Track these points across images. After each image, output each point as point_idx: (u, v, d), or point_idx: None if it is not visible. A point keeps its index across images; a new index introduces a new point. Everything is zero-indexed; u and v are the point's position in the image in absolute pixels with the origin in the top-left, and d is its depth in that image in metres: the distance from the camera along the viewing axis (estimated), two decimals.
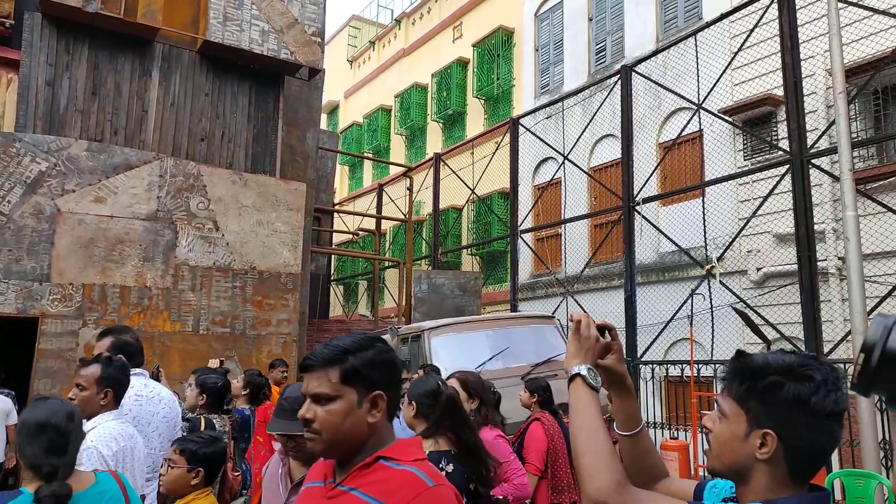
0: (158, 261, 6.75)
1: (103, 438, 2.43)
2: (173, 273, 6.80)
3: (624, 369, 1.49)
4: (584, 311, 1.50)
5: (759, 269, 8.70)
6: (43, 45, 6.90)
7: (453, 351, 6.82)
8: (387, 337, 8.32)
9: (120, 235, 6.57)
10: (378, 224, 15.28)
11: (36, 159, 6.28)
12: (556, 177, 11.70)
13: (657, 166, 9.82)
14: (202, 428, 3.27)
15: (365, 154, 18.85)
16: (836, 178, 6.42)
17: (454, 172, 13.39)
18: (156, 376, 3.67)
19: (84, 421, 2.22)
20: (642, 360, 8.66)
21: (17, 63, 6.79)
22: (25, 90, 6.79)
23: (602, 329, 1.48)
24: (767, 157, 8.63)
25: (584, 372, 1.39)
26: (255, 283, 7.33)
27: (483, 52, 14.77)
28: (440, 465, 2.61)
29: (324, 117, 21.67)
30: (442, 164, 13.79)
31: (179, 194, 6.97)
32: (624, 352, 7.48)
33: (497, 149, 12.26)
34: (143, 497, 2.71)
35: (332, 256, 16.55)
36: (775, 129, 8.69)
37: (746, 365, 1.25)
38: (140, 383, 3.02)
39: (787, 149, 7.58)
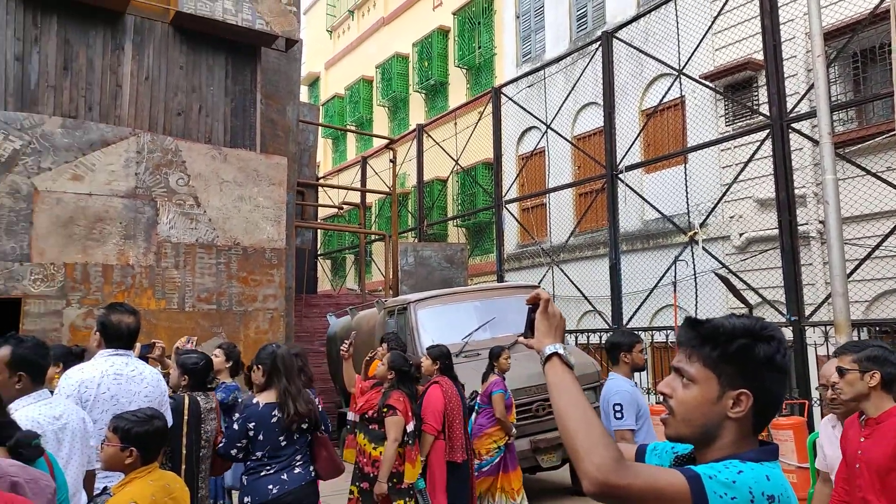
0: (140, 238, 6.67)
1: None
2: (156, 251, 6.74)
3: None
4: (544, 289, 1.50)
5: (741, 235, 8.77)
6: (10, 19, 6.71)
7: (440, 323, 6.85)
8: (373, 310, 8.33)
9: (99, 213, 6.48)
10: (363, 197, 15.19)
11: (9, 137, 6.15)
12: (539, 146, 11.67)
13: (639, 133, 9.81)
14: (186, 406, 3.27)
15: (347, 127, 18.65)
16: (816, 143, 6.46)
17: (437, 144, 13.30)
18: (144, 356, 3.64)
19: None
20: (628, 328, 8.75)
21: None
22: None
23: (536, 305, 1.49)
24: (748, 122, 8.64)
25: (560, 350, 1.40)
26: (240, 259, 7.29)
27: (464, 21, 14.57)
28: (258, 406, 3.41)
29: (304, 90, 21.36)
30: (425, 135, 13.69)
31: (158, 170, 6.87)
32: (610, 320, 7.50)
33: (480, 119, 12.17)
34: (94, 472, 2.69)
35: (318, 231, 16.46)
36: (756, 93, 8.69)
37: (714, 331, 1.28)
38: (121, 362, 3.00)
39: (768, 113, 7.59)
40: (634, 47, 9.48)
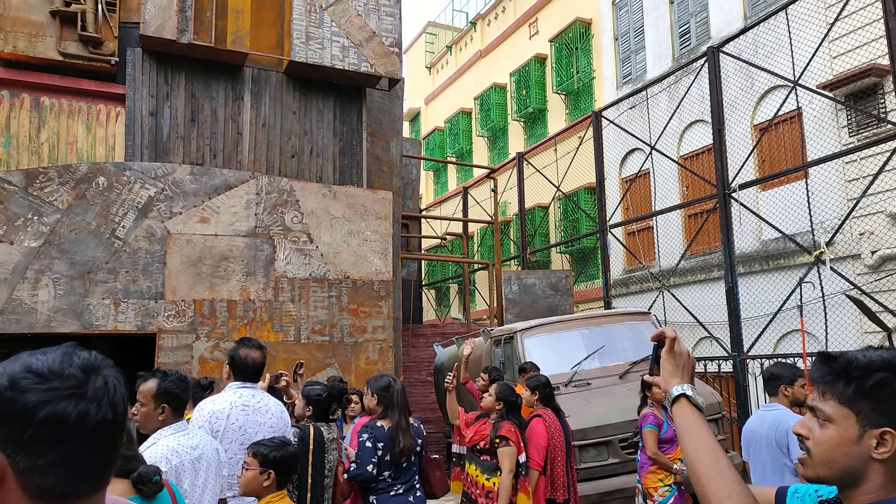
0: (260, 275, 7.08)
1: (155, 458, 2.48)
2: (273, 286, 7.11)
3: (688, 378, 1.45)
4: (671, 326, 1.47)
5: (873, 253, 8.09)
6: (144, 79, 7.41)
7: (547, 351, 6.76)
8: (479, 339, 8.35)
9: (224, 252, 6.94)
10: (465, 227, 15.36)
11: (145, 185, 6.74)
12: (643, 168, 11.36)
13: (753, 149, 9.34)
14: (311, 436, 3.40)
15: (448, 158, 19.00)
16: None
17: (538, 171, 13.27)
18: (272, 386, 3.84)
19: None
20: (749, 354, 8.24)
21: (123, 97, 7.32)
22: (131, 122, 7.31)
23: (662, 342, 1.44)
24: (875, 131, 8.02)
25: (688, 392, 1.34)
26: (350, 291, 7.55)
27: (561, 47, 14.56)
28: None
29: (406, 125, 22.04)
30: (525, 163, 13.70)
31: (275, 210, 7.28)
32: (729, 347, 7.10)
33: (580, 144, 12.04)
34: (226, 501, 2.84)
35: (422, 262, 16.79)
36: (882, 100, 8.06)
37: (848, 365, 1.20)
38: (248, 394, 3.18)
39: None
40: (744, 61, 9.08)
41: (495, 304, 12.43)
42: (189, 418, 3.12)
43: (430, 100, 21.59)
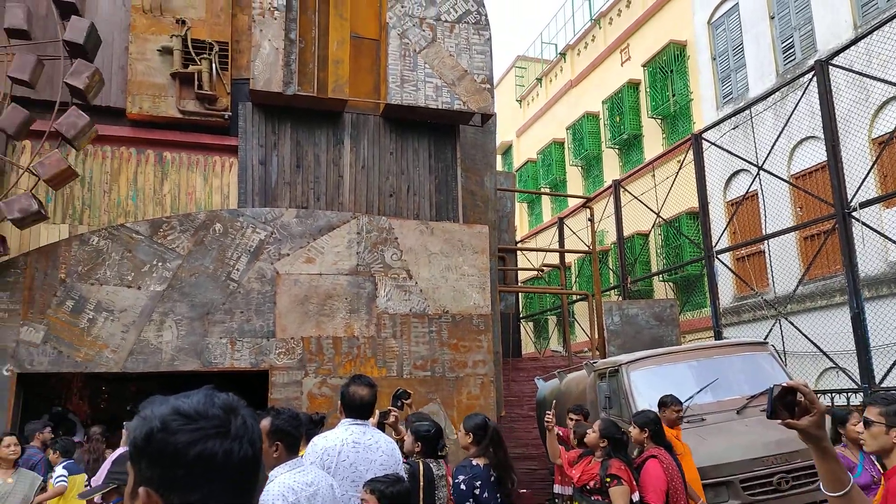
0: (362, 311, 7.27)
1: (272, 496, 2.52)
2: (376, 322, 7.28)
3: (823, 433, 1.47)
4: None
5: None
6: (254, 130, 7.90)
7: (656, 385, 6.48)
8: (582, 373, 8.13)
9: (329, 291, 7.20)
10: (562, 258, 15.15)
11: (256, 230, 7.14)
12: (751, 189, 10.82)
13: (873, 165, 8.69)
14: (420, 472, 3.42)
15: (542, 189, 18.92)
16: None
17: (636, 198, 12.94)
18: (381, 423, 3.90)
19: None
20: (882, 386, 7.55)
21: (236, 148, 7.82)
22: (243, 171, 7.79)
23: (793, 391, 1.44)
24: None
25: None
26: (450, 326, 7.59)
27: (655, 71, 14.27)
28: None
29: (498, 159, 22.19)
30: (622, 190, 13.41)
31: (375, 248, 7.49)
32: (856, 378, 6.57)
33: (680, 168, 11.66)
34: None
35: (520, 294, 16.67)
36: None
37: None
38: (359, 431, 3.23)
39: None
40: (857, 72, 8.54)
41: (596, 336, 12.11)
42: (303, 454, 3.21)
43: (522, 132, 21.68)
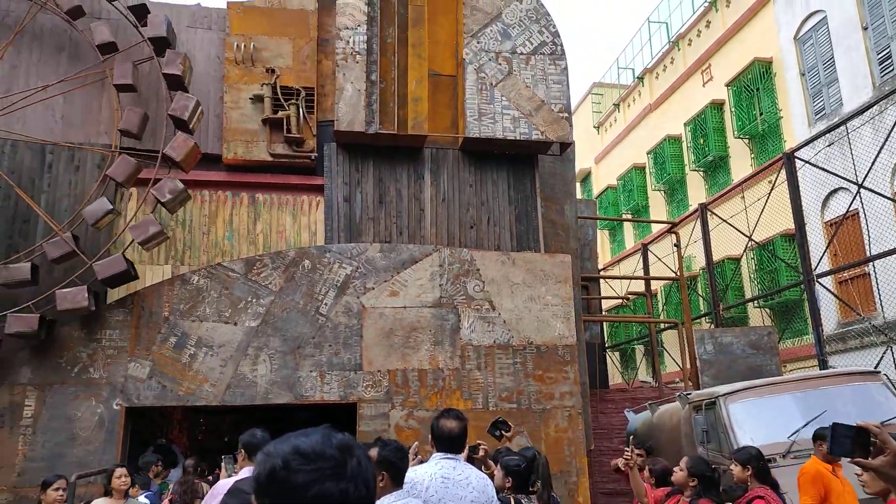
0: (447, 343, 7.30)
1: None
2: (460, 354, 7.29)
3: None
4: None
5: None
6: (339, 169, 8.19)
7: (757, 418, 6.14)
8: (675, 405, 7.81)
9: (413, 323, 7.29)
10: (647, 285, 14.72)
11: (342, 265, 7.35)
12: (851, 209, 10.21)
13: None
14: None
15: (624, 216, 18.55)
16: None
17: (724, 221, 12.45)
18: (471, 457, 3.86)
19: None
20: None
21: (322, 187, 8.13)
22: (329, 209, 8.08)
23: (865, 431, 1.45)
24: None
25: None
26: (534, 357, 7.51)
27: (739, 90, 13.83)
28: None
29: (578, 186, 21.97)
30: (709, 213, 12.94)
31: (458, 280, 7.55)
32: None
33: (772, 188, 11.15)
34: None
35: (604, 323, 16.28)
36: None
37: None
38: (449, 465, 3.22)
39: None
40: None
41: (688, 366, 11.63)
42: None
43: (600, 159, 21.41)
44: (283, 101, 7.95)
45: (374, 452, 2.77)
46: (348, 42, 8.11)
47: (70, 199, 7.51)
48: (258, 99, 7.95)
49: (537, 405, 7.37)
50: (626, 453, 4.68)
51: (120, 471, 5.26)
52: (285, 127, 7.89)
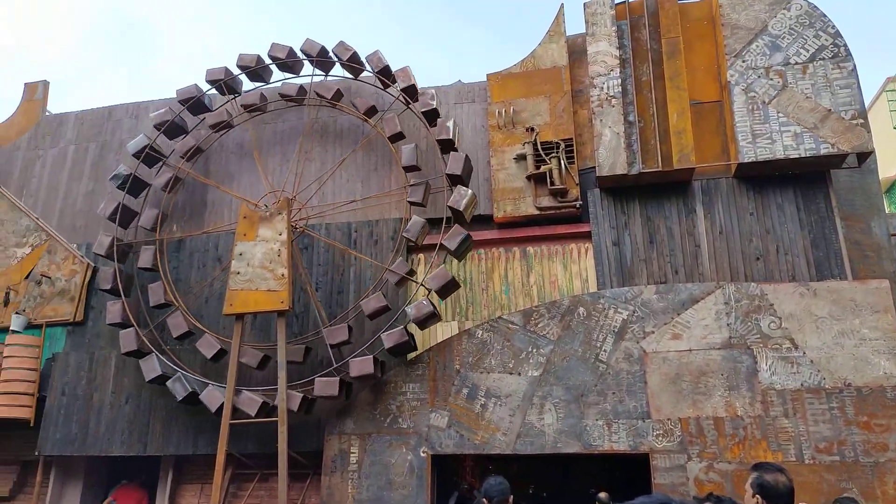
0: (743, 388, 6.68)
1: None
2: (761, 399, 6.60)
3: None
4: None
5: None
6: (605, 213, 8.17)
7: None
8: None
9: (701, 367, 6.82)
10: None
11: (618, 310, 7.22)
12: None
13: None
14: None
15: None
16: None
17: None
18: None
19: None
20: None
21: (589, 234, 8.17)
22: (598, 254, 8.05)
23: None
24: None
25: None
26: (856, 401, 6.47)
27: None
28: None
29: (884, 199, 18.84)
30: None
31: (748, 317, 6.91)
32: None
33: None
34: None
35: None
36: None
37: None
38: None
39: None
40: None
41: None
42: None
43: None
44: (544, 155, 8.25)
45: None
46: (602, 88, 8.18)
47: (371, 269, 8.61)
48: (521, 157, 8.37)
49: (866, 457, 6.30)
50: None
51: None
52: (548, 180, 8.15)
